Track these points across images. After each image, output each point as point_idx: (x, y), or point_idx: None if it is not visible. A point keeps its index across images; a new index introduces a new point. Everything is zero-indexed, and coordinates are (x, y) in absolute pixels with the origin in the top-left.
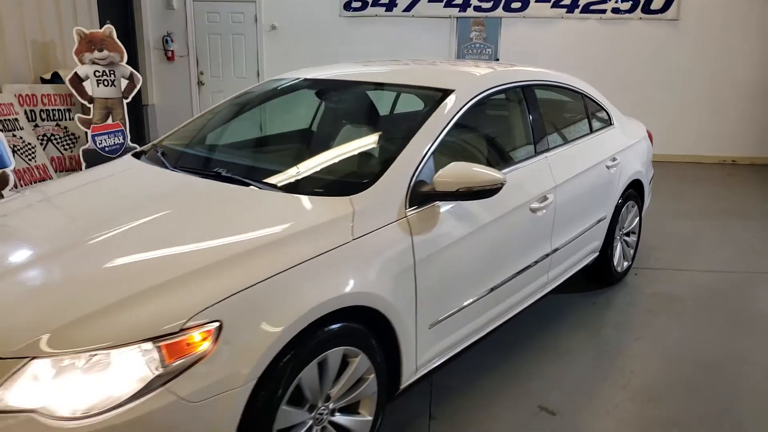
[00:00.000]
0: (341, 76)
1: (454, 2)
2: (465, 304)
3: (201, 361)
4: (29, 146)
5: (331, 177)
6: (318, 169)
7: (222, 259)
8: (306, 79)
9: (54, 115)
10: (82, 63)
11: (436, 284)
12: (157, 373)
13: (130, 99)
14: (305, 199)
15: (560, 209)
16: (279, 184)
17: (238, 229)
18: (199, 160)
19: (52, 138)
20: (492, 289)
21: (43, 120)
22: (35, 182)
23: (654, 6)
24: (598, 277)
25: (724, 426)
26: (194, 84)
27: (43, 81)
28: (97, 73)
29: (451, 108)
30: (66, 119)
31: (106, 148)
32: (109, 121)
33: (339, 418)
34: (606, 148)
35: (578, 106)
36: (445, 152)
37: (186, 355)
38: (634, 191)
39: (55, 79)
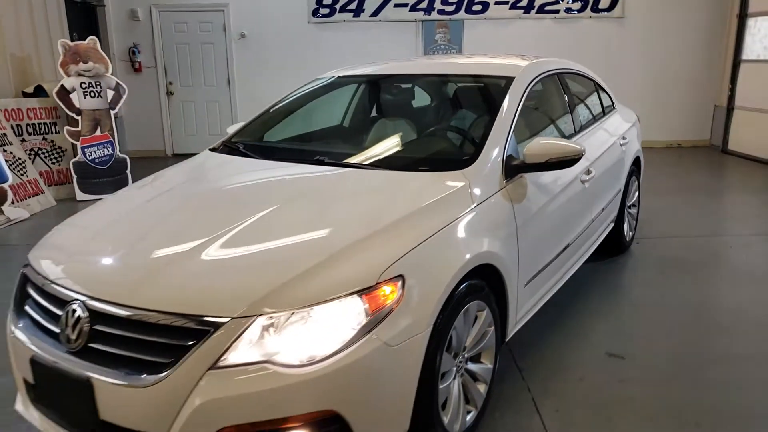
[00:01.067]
0: (405, 70)
1: (419, 6)
2: (546, 264)
3: (394, 310)
4: (20, 161)
5: (437, 155)
6: (418, 150)
7: (387, 224)
8: (368, 75)
9: (40, 128)
10: (68, 75)
11: (530, 246)
12: (364, 321)
13: (117, 110)
14: (425, 175)
15: (597, 182)
16: (392, 165)
17: (385, 202)
18: (293, 151)
19: (40, 152)
20: (561, 252)
21: (29, 134)
22: (29, 197)
23: (602, 5)
24: (611, 246)
25: (753, 352)
26: (163, 94)
27: (25, 95)
28: (84, 85)
29: (517, 92)
30: (52, 133)
31: (96, 160)
32: (98, 132)
33: (471, 366)
34: (617, 128)
35: (592, 91)
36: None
37: (383, 306)
38: (635, 168)
39: (38, 92)
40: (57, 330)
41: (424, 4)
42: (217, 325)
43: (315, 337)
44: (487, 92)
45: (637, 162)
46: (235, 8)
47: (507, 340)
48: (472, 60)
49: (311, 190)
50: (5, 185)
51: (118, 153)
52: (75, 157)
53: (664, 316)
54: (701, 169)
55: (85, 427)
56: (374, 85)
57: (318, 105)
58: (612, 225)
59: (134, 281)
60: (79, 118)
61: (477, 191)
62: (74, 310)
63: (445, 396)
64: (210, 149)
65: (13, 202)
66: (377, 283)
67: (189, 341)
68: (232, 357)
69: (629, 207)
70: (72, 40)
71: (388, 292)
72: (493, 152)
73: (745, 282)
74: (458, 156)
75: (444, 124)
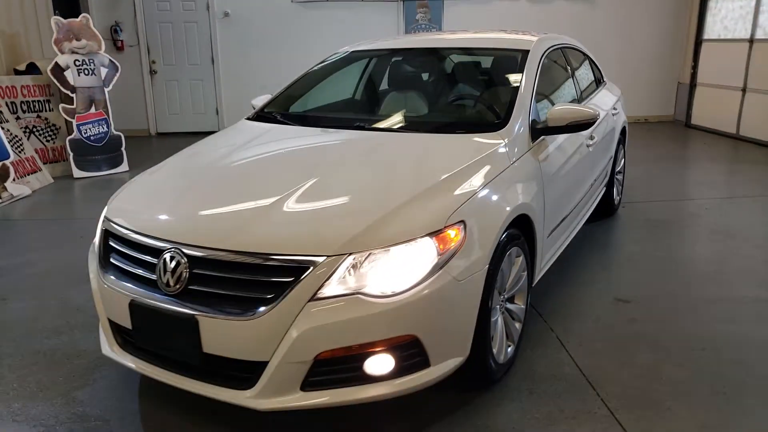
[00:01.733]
0: (432, 44)
1: None
2: (563, 218)
3: (459, 251)
4: (17, 138)
5: (472, 119)
6: (454, 115)
7: (444, 178)
8: (393, 48)
9: (34, 106)
10: (62, 52)
11: (552, 201)
12: (436, 259)
13: (110, 87)
14: (467, 136)
15: (597, 147)
16: (433, 128)
17: (437, 159)
18: (333, 118)
19: (34, 130)
20: (573, 208)
21: (24, 112)
22: (28, 174)
23: None
24: (602, 209)
25: (738, 293)
26: (146, 73)
27: (16, 72)
28: (77, 63)
29: (533, 63)
30: (46, 110)
31: (92, 137)
32: (92, 110)
33: (509, 305)
34: (608, 99)
35: (588, 65)
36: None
37: (450, 247)
38: (622, 137)
39: (31, 70)
40: (151, 276)
41: None
42: (315, 264)
43: (397, 272)
44: (506, 63)
45: (623, 132)
46: None
47: (533, 285)
48: (485, 35)
49: (366, 151)
50: (7, 162)
51: (112, 130)
52: (69, 134)
53: (657, 267)
54: (669, 142)
55: (188, 360)
56: (401, 57)
57: (342, 77)
58: (604, 189)
59: (232, 229)
60: (73, 95)
61: (512, 150)
62: (172, 257)
63: (492, 331)
64: (246, 119)
65: (14, 180)
66: (445, 227)
67: (289, 278)
68: (327, 290)
69: (617, 173)
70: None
71: (453, 235)
72: (521, 116)
73: (722, 237)
74: (491, 120)
75: (470, 92)
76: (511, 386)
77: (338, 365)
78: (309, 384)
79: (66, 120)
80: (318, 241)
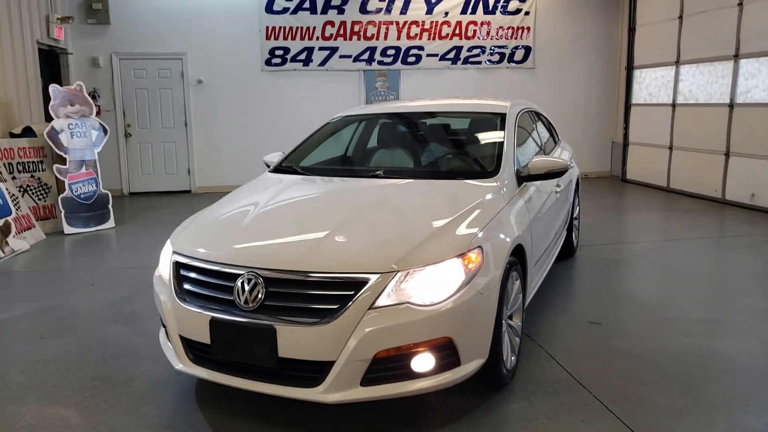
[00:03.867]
0: (429, 109)
1: (361, 58)
2: (543, 251)
3: (480, 270)
4: (14, 197)
5: (471, 168)
6: (454, 165)
7: (461, 213)
8: (403, 113)
9: (29, 167)
10: (57, 117)
11: (536, 236)
12: (464, 276)
13: (100, 149)
14: (471, 181)
15: (562, 194)
16: (440, 175)
17: (452, 198)
18: (356, 170)
19: (28, 189)
20: (549, 244)
21: (19, 172)
22: (24, 231)
23: (516, 58)
24: (564, 250)
25: (687, 315)
26: (121, 136)
27: (12, 135)
28: (71, 126)
29: (511, 122)
30: (39, 170)
31: (82, 195)
32: (83, 170)
33: (510, 322)
34: (566, 154)
35: (547, 125)
36: None
37: (473, 267)
38: (576, 187)
39: (24, 133)
40: (228, 297)
41: (365, 56)
42: (371, 280)
43: (435, 286)
44: (489, 123)
45: (578, 183)
46: (193, 57)
47: (525, 306)
48: (466, 101)
49: (391, 193)
50: (9, 218)
51: (101, 189)
52: (60, 193)
53: (617, 297)
54: (610, 195)
55: (265, 364)
56: (407, 119)
57: (349, 135)
58: (566, 233)
59: (302, 254)
60: (66, 156)
61: (506, 192)
62: (249, 279)
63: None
64: (269, 171)
65: (14, 235)
66: (468, 250)
67: (351, 291)
68: (381, 301)
69: (575, 218)
70: (43, 86)
71: (474, 258)
72: (508, 166)
73: (667, 272)
74: (485, 169)
75: (465, 147)
76: (517, 388)
77: (391, 363)
78: (367, 380)
79: (57, 179)
80: (372, 262)
